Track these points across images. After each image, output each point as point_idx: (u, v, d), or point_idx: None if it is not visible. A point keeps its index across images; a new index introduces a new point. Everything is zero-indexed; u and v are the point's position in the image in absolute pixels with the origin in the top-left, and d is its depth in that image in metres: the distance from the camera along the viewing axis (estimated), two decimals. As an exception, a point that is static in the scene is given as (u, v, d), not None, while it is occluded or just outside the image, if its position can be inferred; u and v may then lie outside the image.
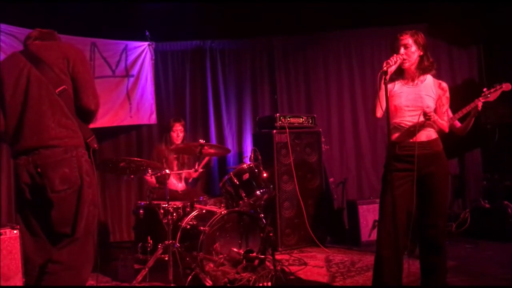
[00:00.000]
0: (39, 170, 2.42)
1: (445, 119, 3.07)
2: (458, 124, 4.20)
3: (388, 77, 2.84)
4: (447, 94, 3.07)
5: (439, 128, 3.03)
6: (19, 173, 2.48)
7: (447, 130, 3.08)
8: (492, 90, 4.00)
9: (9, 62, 2.64)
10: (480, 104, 3.97)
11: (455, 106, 3.99)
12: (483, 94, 4.01)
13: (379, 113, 3.03)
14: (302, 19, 5.97)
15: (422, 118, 2.92)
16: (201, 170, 4.32)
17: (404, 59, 2.98)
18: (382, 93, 2.81)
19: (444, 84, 3.08)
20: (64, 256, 2.46)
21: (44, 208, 2.45)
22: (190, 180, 5.08)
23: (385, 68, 2.81)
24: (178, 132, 4.98)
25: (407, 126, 2.99)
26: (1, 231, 3.83)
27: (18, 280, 3.80)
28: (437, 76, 3.13)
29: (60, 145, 2.45)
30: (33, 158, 2.43)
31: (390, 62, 2.87)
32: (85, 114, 2.61)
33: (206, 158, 5.18)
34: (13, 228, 3.84)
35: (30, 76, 2.50)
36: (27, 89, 2.49)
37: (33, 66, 2.51)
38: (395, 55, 2.96)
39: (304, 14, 5.92)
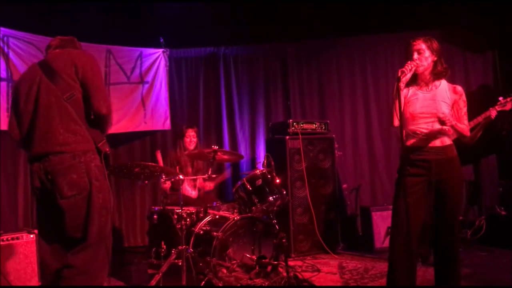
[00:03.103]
0: (49, 177, 2.46)
1: (465, 122, 3.03)
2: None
3: (402, 85, 2.84)
4: (463, 97, 3.04)
5: (460, 133, 2.99)
6: (33, 179, 2.53)
7: (468, 133, 3.03)
8: (508, 99, 3.92)
9: (26, 72, 2.72)
10: (494, 113, 3.90)
11: (469, 113, 3.94)
12: (498, 103, 3.94)
13: (396, 122, 2.96)
14: (315, 25, 5.97)
15: (438, 125, 2.90)
16: (214, 176, 4.33)
17: (417, 64, 2.97)
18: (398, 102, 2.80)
19: (459, 88, 3.04)
20: (78, 261, 2.48)
21: (56, 213, 2.48)
22: (205, 190, 5.10)
23: (401, 77, 2.80)
24: (191, 138, 5.01)
25: (422, 133, 2.97)
26: (18, 235, 3.90)
27: (34, 284, 3.86)
28: (451, 82, 3.10)
29: (68, 151, 2.47)
30: (44, 165, 2.47)
31: (405, 71, 2.85)
32: (99, 120, 2.62)
33: (221, 178, 5.36)
34: (30, 233, 3.91)
35: (40, 84, 2.55)
36: (37, 97, 2.54)
37: (44, 74, 2.56)
38: (409, 62, 2.93)
39: (317, 20, 5.92)
